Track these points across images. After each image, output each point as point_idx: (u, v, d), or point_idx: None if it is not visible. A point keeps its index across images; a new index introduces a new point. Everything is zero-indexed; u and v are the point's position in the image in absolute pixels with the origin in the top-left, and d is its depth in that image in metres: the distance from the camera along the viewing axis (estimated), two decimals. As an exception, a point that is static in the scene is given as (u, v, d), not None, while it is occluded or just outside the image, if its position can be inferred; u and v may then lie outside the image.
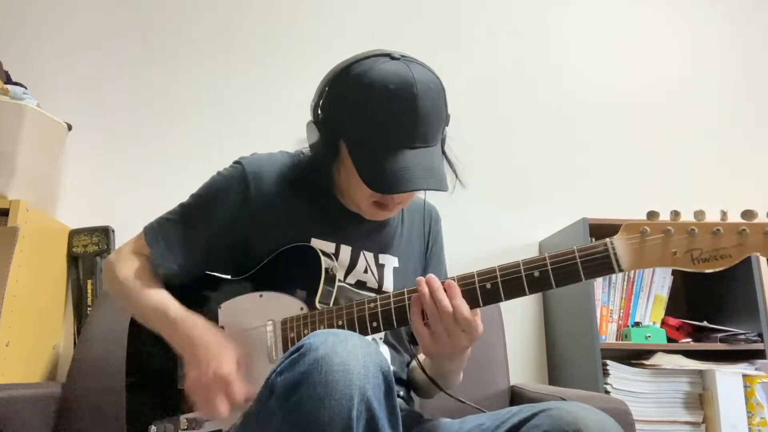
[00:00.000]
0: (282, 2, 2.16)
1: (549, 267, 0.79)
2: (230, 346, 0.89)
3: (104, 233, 1.82)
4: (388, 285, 1.07)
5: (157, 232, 1.04)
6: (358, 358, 0.65)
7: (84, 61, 2.06)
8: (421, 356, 1.04)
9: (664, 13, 2.26)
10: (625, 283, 1.77)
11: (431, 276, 0.84)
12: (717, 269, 0.73)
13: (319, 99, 0.98)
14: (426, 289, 0.83)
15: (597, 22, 2.24)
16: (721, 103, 2.18)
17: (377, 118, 0.88)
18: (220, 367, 0.84)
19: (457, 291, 0.82)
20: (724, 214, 0.73)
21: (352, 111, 0.91)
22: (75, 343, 1.68)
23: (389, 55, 0.92)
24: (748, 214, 0.72)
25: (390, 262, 1.09)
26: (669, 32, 2.25)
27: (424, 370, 0.99)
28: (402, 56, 0.92)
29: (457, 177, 1.01)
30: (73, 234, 1.82)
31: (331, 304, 0.93)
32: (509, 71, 2.17)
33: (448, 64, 2.14)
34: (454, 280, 0.85)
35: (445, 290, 0.82)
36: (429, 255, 1.18)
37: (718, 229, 0.72)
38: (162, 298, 0.97)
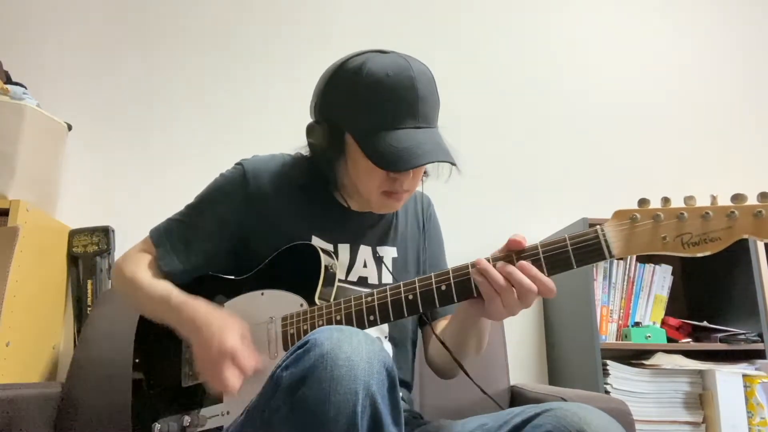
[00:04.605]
0: (283, 3, 2.17)
1: (541, 255, 0.80)
2: (232, 321, 0.90)
3: (104, 233, 1.82)
4: (388, 277, 1.08)
5: (163, 233, 1.07)
6: (362, 354, 0.66)
7: (84, 61, 2.06)
8: (441, 327, 1.04)
9: (663, 13, 2.26)
10: (625, 283, 1.77)
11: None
12: (707, 253, 0.73)
13: (319, 98, 1.00)
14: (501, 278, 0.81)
15: (597, 22, 2.24)
16: (722, 103, 2.19)
17: (380, 103, 0.91)
18: (224, 342, 0.85)
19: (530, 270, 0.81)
20: (713, 198, 0.73)
21: (354, 101, 0.93)
22: (75, 343, 1.69)
23: (380, 51, 0.96)
24: (737, 197, 0.72)
25: (388, 253, 1.10)
26: (669, 32, 2.25)
27: (447, 348, 0.98)
28: (392, 51, 0.97)
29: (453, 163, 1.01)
30: (73, 234, 1.82)
31: (331, 301, 0.94)
32: (509, 71, 2.17)
33: (448, 64, 2.16)
34: (449, 272, 0.85)
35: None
36: (425, 236, 1.18)
37: (707, 213, 0.72)
38: (165, 287, 0.99)
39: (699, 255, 0.73)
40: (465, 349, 0.99)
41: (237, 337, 0.87)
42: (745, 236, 0.71)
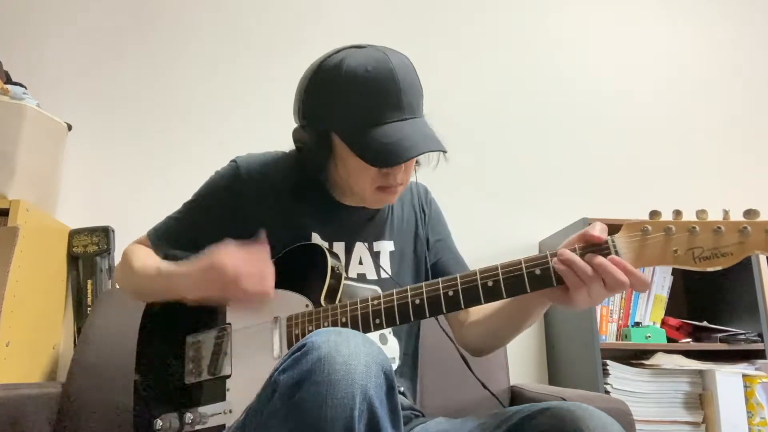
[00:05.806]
0: (281, 2, 2.17)
1: (550, 264, 0.79)
2: (222, 252, 0.89)
3: (104, 233, 1.82)
4: (385, 272, 1.07)
5: (159, 232, 1.08)
6: (360, 358, 0.66)
7: (84, 61, 2.06)
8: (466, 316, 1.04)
9: (665, 13, 2.26)
10: (625, 283, 1.77)
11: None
12: (718, 268, 0.72)
13: (301, 102, 1.00)
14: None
15: (597, 22, 2.24)
16: (722, 102, 2.19)
17: (363, 99, 0.91)
18: (225, 265, 0.86)
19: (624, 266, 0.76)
20: (726, 213, 0.72)
21: (337, 100, 0.93)
22: (75, 343, 1.68)
23: (357, 46, 0.96)
24: (751, 213, 0.71)
25: (385, 247, 1.09)
26: (669, 33, 2.25)
27: (459, 349, 0.98)
28: (368, 45, 0.96)
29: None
30: (73, 234, 1.82)
31: (336, 302, 0.94)
32: (509, 71, 2.17)
33: (448, 64, 2.16)
34: (456, 279, 0.84)
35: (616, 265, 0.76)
36: (427, 226, 1.16)
37: (719, 228, 0.71)
38: (154, 262, 1.00)
39: (709, 269, 0.72)
40: (516, 332, 0.97)
41: (236, 260, 0.87)
42: (758, 252, 0.70)
